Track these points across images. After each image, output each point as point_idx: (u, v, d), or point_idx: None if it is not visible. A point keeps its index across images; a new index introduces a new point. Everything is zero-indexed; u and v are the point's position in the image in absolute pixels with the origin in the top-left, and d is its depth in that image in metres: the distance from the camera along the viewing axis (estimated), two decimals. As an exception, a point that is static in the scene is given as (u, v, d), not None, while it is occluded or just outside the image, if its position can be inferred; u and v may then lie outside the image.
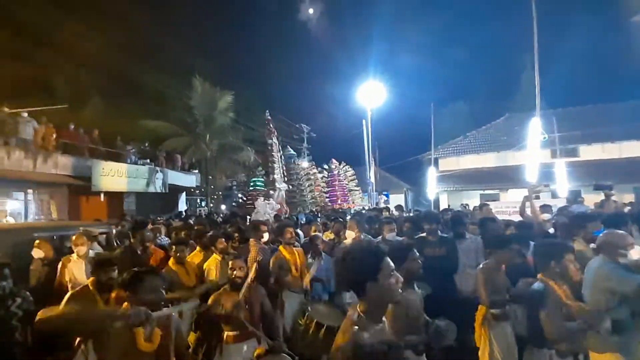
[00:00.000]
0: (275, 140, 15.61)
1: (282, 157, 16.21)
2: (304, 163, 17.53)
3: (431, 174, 16.66)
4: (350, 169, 19.05)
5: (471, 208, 9.46)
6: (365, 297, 1.49)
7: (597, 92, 26.15)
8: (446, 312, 2.49)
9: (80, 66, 21.13)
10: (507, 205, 8.79)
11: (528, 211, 4.81)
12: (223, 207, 20.24)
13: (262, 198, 13.04)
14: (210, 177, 21.19)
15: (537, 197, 7.19)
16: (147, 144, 17.46)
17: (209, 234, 4.70)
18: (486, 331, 2.83)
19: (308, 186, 16.28)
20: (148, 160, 15.71)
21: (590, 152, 18.14)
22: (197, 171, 20.16)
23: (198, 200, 23.20)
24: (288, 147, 18.55)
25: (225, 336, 2.74)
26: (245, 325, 2.66)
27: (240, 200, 16.63)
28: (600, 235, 2.68)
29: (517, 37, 14.86)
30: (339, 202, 16.77)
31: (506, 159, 19.14)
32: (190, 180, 18.92)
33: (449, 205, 14.91)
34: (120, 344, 1.76)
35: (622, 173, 15.73)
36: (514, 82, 29.18)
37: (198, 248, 4.39)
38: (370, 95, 13.55)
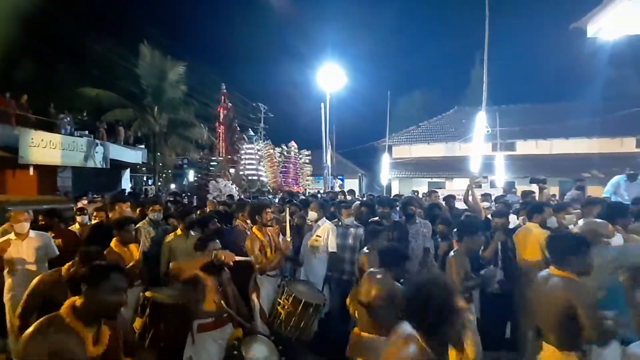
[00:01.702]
0: (232, 116, 15.07)
1: (242, 136, 15.76)
2: (261, 144, 17.17)
3: (385, 161, 17.21)
4: (306, 151, 19.06)
5: (420, 195, 9.97)
6: (435, 336, 1.40)
7: (535, 92, 28.63)
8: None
9: (8, 22, 18.35)
10: (452, 193, 9.42)
11: (475, 199, 5.20)
12: (173, 186, 19.26)
13: (220, 179, 12.64)
14: (159, 153, 19.94)
15: (479, 186, 7.79)
16: (85, 114, 15.88)
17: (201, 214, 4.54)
18: None
19: (264, 168, 16.04)
20: (87, 132, 14.31)
21: (526, 147, 19.94)
22: (143, 146, 18.80)
23: (145, 178, 21.80)
24: (248, 127, 18.01)
25: (197, 325, 2.54)
26: (222, 312, 2.57)
27: (197, 179, 15.95)
28: (582, 224, 2.83)
29: (470, 34, 15.55)
30: (293, 184, 16.78)
31: (453, 150, 20.39)
32: (135, 156, 17.62)
33: (400, 192, 15.61)
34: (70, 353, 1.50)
35: (551, 168, 17.55)
36: (465, 77, 30.83)
37: (180, 228, 4.09)
38: (330, 79, 13.45)
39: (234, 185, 12.76)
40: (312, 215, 4.61)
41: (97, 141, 14.31)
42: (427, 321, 1.39)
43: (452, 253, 3.12)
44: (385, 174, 17.38)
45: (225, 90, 15.33)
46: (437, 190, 8.38)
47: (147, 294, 2.87)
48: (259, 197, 10.57)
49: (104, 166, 14.52)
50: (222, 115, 15.00)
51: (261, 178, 15.05)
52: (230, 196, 9.81)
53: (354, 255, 4.16)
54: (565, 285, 2.02)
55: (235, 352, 2.33)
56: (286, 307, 3.02)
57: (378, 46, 36.34)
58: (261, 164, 15.74)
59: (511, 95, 24.57)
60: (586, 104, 20.28)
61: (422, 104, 31.32)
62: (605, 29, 6.51)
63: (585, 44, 7.50)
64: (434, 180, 20.28)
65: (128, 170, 18.09)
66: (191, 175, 18.92)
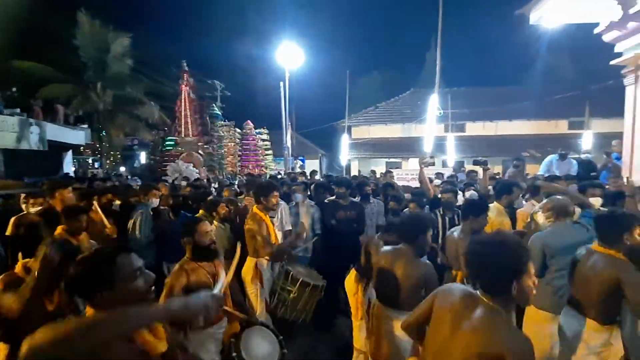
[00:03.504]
0: (192, 95, 14.37)
1: (204, 115, 15.11)
2: (221, 123, 16.59)
3: (344, 141, 17.45)
4: (265, 131, 18.73)
5: (378, 175, 10.31)
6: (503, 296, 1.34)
7: (485, 76, 30.19)
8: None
9: None
10: (407, 173, 9.87)
11: (424, 178, 5.49)
12: (122, 169, 18.09)
13: (180, 161, 12.11)
14: (105, 133, 18.50)
15: (432, 164, 8.24)
16: (15, 90, 14.21)
17: (210, 198, 4.21)
18: None
19: (225, 149, 15.60)
20: (18, 110, 12.87)
21: (474, 128, 21.19)
22: (86, 126, 17.32)
23: (90, 161, 20.23)
24: (213, 105, 17.20)
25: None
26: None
27: (152, 162, 15.13)
28: (547, 200, 2.98)
29: (427, 17, 15.86)
30: (252, 166, 16.55)
31: (409, 131, 21.13)
32: (77, 136, 16.18)
33: (359, 172, 15.99)
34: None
35: (495, 148, 18.89)
36: (422, 58, 31.65)
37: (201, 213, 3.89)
38: (289, 56, 13.13)
39: (196, 168, 12.33)
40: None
41: (32, 120, 12.92)
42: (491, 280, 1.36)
43: (457, 233, 3.06)
44: (345, 154, 17.65)
45: (186, 68, 14.53)
46: (392, 170, 8.71)
47: None
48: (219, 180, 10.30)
49: (41, 148, 13.21)
50: (184, 94, 14.25)
51: (223, 160, 14.66)
52: (186, 178, 9.48)
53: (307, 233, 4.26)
54: (612, 264, 2.07)
55: (234, 354, 2.02)
56: (293, 292, 2.90)
57: (337, 26, 35.95)
58: (224, 145, 15.31)
59: (464, 78, 25.90)
60: (527, 88, 21.89)
61: (381, 84, 31.80)
62: (545, 17, 6.99)
63: (528, 31, 8.02)
64: (392, 160, 21.01)
65: (70, 152, 16.64)
66: (143, 157, 17.86)
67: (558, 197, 2.98)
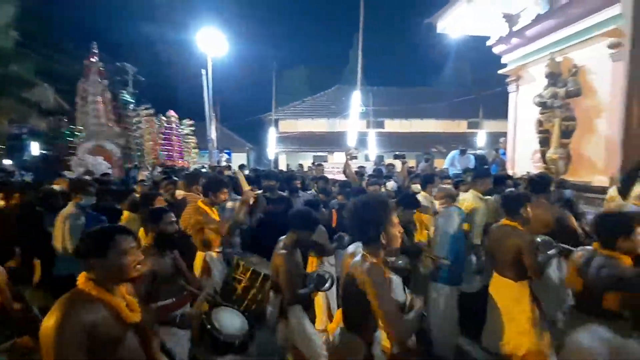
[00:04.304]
0: (99, 78, 12.74)
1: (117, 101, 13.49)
2: (145, 113, 15.05)
3: (272, 135, 17.37)
4: (188, 121, 17.63)
5: (305, 168, 10.56)
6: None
7: (403, 76, 32.73)
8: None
9: None
10: (333, 166, 10.35)
11: (350, 170, 5.86)
12: (8, 161, 15.24)
13: (84, 152, 10.68)
14: (-19, 119, 15.33)
15: (356, 158, 8.76)
16: None
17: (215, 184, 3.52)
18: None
19: (145, 139, 14.24)
20: None
21: (392, 125, 22.97)
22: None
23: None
24: (124, 91, 15.36)
25: (158, 307, 2.22)
26: (182, 290, 2.35)
27: (47, 154, 13.05)
28: (439, 189, 3.57)
29: (350, 14, 16.58)
30: (177, 158, 15.48)
31: (334, 125, 21.96)
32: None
33: (287, 165, 16.13)
34: None
35: (410, 144, 20.76)
36: (346, 56, 32.90)
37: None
38: (211, 43, 12.39)
39: (107, 162, 11.04)
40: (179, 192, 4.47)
41: None
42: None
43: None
44: (273, 148, 17.59)
45: (96, 50, 12.80)
46: (322, 163, 9.06)
47: None
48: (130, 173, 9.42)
49: None
50: (91, 75, 12.59)
51: (142, 152, 13.38)
52: (90, 172, 8.49)
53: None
54: (514, 234, 2.51)
55: (208, 326, 2.13)
56: (243, 282, 2.84)
57: (263, 18, 35.23)
58: (138, 133, 13.94)
59: (384, 78, 27.64)
60: (437, 90, 24.47)
61: (307, 79, 32.28)
62: (449, 27, 7.94)
63: (437, 38, 9.00)
64: (319, 154, 21.60)
65: None
66: (35, 148, 15.32)
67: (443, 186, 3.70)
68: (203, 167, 12.66)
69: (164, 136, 15.84)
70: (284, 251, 2.42)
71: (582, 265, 2.11)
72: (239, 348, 2.17)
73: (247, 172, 8.62)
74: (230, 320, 2.29)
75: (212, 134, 12.91)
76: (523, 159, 6.64)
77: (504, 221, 2.68)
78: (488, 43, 7.56)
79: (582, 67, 5.35)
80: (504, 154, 7.86)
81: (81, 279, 1.41)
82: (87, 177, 6.20)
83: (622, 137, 4.30)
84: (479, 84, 21.94)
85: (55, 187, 4.75)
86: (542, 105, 5.74)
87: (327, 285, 2.44)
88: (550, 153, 5.57)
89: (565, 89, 5.39)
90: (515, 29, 6.75)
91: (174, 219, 2.44)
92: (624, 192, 3.45)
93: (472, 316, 2.96)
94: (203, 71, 12.63)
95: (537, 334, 2.47)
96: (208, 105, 12.62)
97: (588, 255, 2.12)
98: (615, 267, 1.96)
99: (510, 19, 6.90)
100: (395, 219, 1.68)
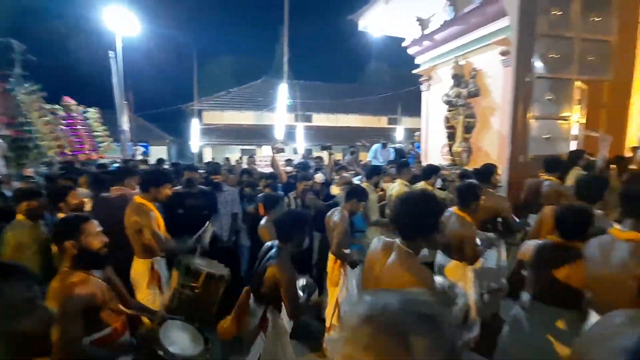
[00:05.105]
0: None
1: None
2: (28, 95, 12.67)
3: (195, 127, 16.34)
4: (95, 111, 15.56)
5: (232, 162, 10.20)
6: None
7: (329, 71, 33.49)
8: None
9: None
10: (261, 160, 10.16)
11: (276, 164, 5.83)
12: None
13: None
14: None
15: (283, 151, 8.74)
16: None
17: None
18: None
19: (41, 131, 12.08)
20: None
21: (320, 119, 23.43)
22: None
23: None
24: (10, 73, 12.71)
25: (93, 341, 1.73)
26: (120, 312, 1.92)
27: None
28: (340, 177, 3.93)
29: (276, 6, 16.32)
30: (89, 151, 13.53)
31: (262, 118, 21.56)
32: None
33: (213, 159, 15.35)
34: None
35: (337, 137, 21.43)
36: (272, 49, 32.41)
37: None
38: (121, 20, 10.95)
39: None
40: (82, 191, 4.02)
41: None
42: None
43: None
44: (196, 140, 16.59)
45: None
46: (253, 156, 8.85)
47: None
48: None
49: None
50: None
51: (42, 144, 11.34)
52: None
53: None
54: (461, 223, 2.83)
55: (160, 353, 1.78)
56: (197, 287, 2.45)
57: (184, 2, 32.68)
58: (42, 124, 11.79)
59: (311, 72, 27.90)
60: (360, 86, 25.65)
61: (232, 70, 31.00)
62: (369, 26, 8.32)
63: (359, 36, 9.37)
64: (246, 147, 21.01)
65: None
66: None
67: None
68: (115, 161, 11.36)
69: (68, 127, 13.70)
70: (280, 262, 2.18)
71: (535, 255, 2.15)
72: None
73: (166, 166, 8.00)
74: (179, 337, 2.00)
75: (125, 124, 11.62)
76: (434, 151, 7.33)
77: (455, 210, 2.94)
78: (403, 44, 8.12)
79: (480, 71, 6.09)
80: (419, 147, 8.60)
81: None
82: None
83: (510, 132, 5.02)
84: (398, 82, 23.56)
85: None
86: (449, 103, 6.39)
87: (316, 294, 2.34)
88: (456, 146, 6.26)
89: (467, 90, 6.07)
90: (426, 32, 7.36)
91: (99, 228, 1.88)
92: (562, 177, 3.88)
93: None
94: (111, 53, 11.25)
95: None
96: (118, 92, 11.31)
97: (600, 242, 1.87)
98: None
99: (422, 22, 7.50)
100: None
